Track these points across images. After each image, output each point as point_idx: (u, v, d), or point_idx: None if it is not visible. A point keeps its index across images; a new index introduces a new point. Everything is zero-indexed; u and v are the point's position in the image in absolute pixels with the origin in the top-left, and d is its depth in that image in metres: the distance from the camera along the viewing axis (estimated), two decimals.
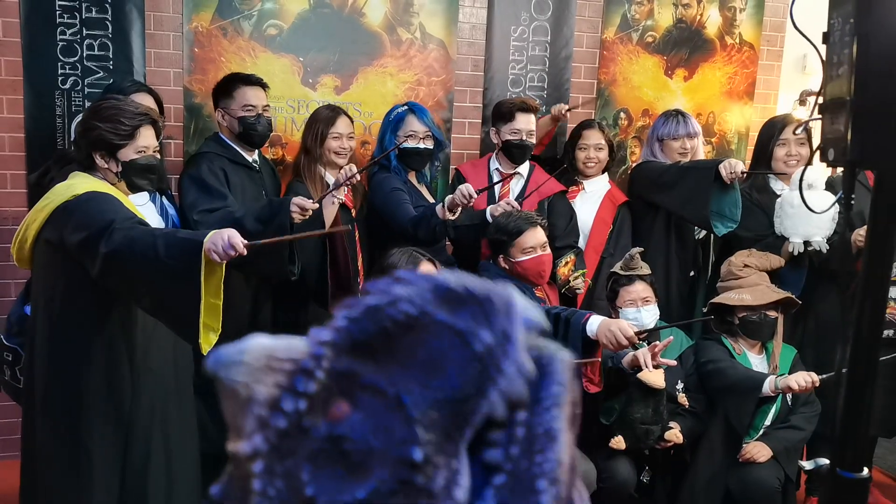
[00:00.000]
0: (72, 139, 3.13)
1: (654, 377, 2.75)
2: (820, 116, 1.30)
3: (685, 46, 4.04)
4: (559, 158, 3.59)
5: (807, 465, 2.74)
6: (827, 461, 1.38)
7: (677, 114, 3.49)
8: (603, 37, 3.93)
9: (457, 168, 3.53)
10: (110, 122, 2.19)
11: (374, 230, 3.18)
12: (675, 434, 2.80)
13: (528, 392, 0.49)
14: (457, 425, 0.47)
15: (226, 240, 2.04)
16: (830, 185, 3.13)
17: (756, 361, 2.98)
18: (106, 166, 2.23)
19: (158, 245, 2.02)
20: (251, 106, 2.90)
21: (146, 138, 2.24)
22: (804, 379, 2.62)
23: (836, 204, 1.94)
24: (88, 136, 2.21)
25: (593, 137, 3.44)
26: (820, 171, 3.10)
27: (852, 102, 1.17)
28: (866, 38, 1.16)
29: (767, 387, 2.72)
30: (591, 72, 3.96)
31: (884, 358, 1.50)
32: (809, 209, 1.55)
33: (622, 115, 4.02)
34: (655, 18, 3.99)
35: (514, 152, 3.30)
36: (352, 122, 3.13)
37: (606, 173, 3.54)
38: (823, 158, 1.26)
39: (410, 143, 3.14)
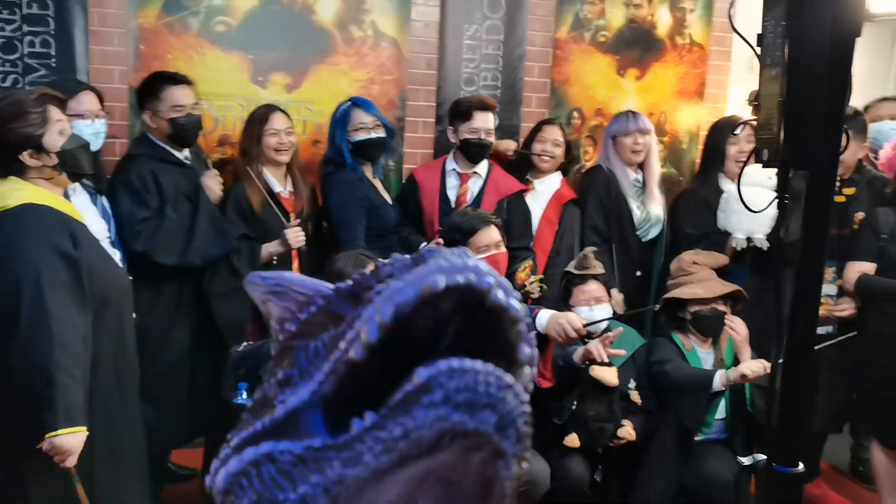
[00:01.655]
0: None
1: (608, 374, 2.77)
2: (756, 117, 1.31)
3: (637, 46, 4.07)
4: (518, 153, 3.58)
5: (745, 460, 2.78)
6: (765, 457, 1.40)
7: (628, 112, 3.55)
8: (556, 36, 3.94)
9: (412, 173, 3.50)
10: (20, 118, 2.10)
11: (328, 230, 3.14)
12: (628, 431, 2.82)
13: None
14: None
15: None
16: None
17: (703, 355, 3.02)
18: (40, 163, 2.13)
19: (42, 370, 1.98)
20: (180, 106, 2.82)
21: (58, 113, 2.17)
22: (756, 365, 2.67)
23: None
24: (6, 141, 2.10)
25: (553, 133, 3.48)
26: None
27: (784, 103, 1.18)
28: (798, 41, 1.17)
29: (719, 381, 2.76)
30: (545, 71, 3.96)
31: (819, 346, 1.52)
32: (747, 208, 1.57)
33: (575, 114, 4.04)
34: (607, 18, 4.01)
35: (472, 151, 3.27)
36: (289, 118, 3.08)
37: (559, 173, 3.55)
38: (758, 159, 1.28)
39: (361, 136, 3.11)
